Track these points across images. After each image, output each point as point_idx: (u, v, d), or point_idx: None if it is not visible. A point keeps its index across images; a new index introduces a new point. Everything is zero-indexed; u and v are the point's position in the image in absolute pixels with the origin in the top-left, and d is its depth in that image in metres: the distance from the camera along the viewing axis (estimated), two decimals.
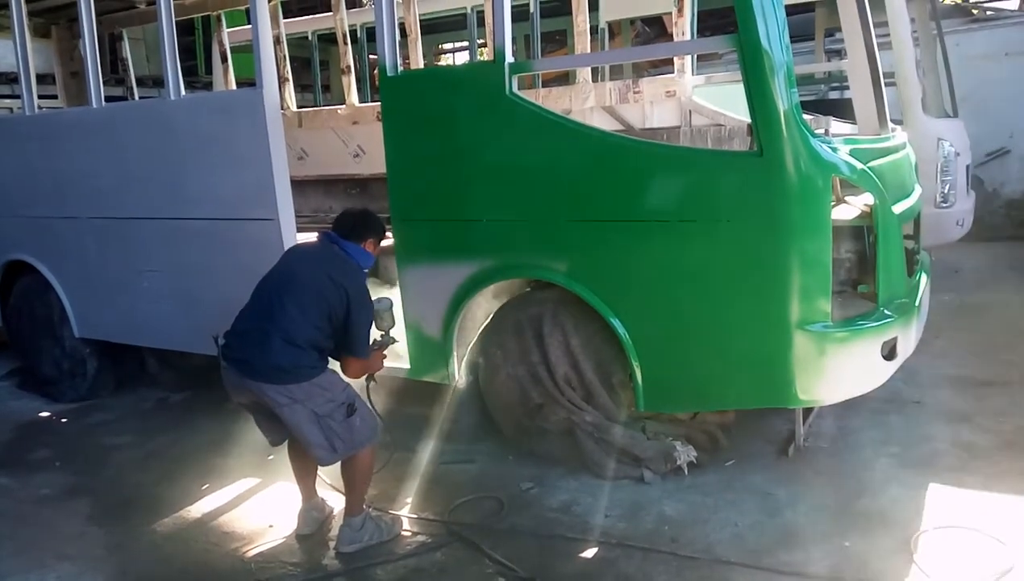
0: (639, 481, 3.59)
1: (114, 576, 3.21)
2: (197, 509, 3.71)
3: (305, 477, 3.42)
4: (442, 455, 4.00)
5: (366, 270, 3.39)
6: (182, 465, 4.20)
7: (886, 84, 4.31)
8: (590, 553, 3.12)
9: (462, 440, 4.07)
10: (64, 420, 5.08)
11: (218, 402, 4.93)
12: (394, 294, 3.85)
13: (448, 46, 14.48)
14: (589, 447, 3.63)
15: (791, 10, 3.48)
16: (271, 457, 3.92)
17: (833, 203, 3.25)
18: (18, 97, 5.28)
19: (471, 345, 3.90)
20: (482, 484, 3.73)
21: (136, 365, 5.44)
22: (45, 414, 5.22)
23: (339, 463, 3.23)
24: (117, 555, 3.36)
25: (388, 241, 3.91)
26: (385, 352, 3.51)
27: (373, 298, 3.37)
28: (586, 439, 3.63)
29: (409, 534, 3.35)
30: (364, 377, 3.48)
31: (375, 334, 3.44)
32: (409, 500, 3.61)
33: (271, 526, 3.50)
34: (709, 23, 10.36)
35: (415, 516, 3.48)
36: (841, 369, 3.29)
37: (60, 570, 3.25)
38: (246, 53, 5.86)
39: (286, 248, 3.70)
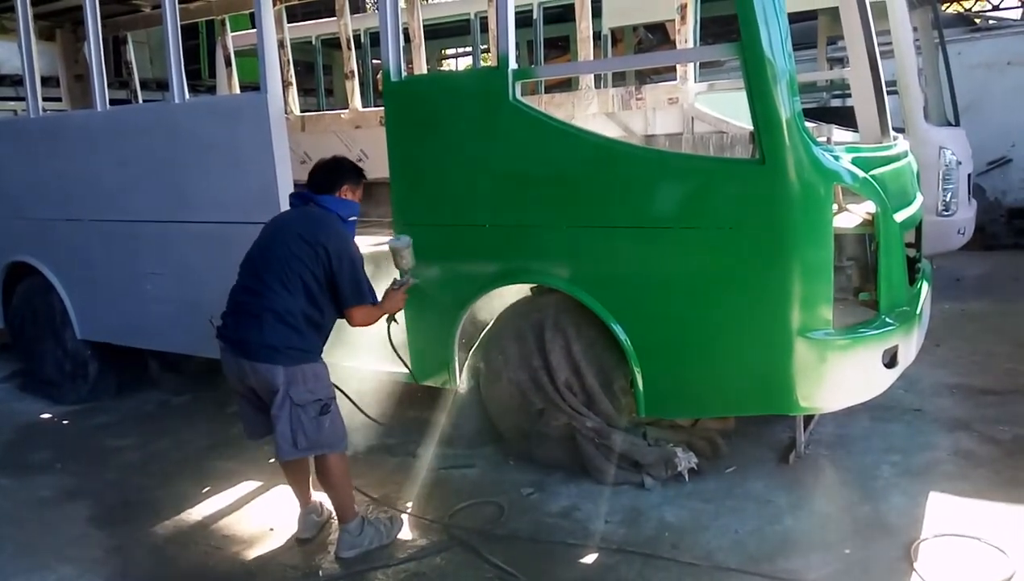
0: (639, 487, 3.59)
1: (114, 578, 3.21)
2: (198, 512, 3.71)
3: (299, 482, 3.41)
4: (442, 460, 4.00)
5: (352, 218, 3.34)
6: (183, 468, 4.21)
7: (888, 92, 4.31)
8: (590, 559, 3.12)
9: (463, 445, 4.07)
10: (65, 422, 5.08)
11: (219, 405, 4.96)
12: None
13: (451, 52, 14.51)
14: (590, 452, 3.63)
15: (793, 18, 3.49)
16: (272, 460, 3.91)
17: (835, 211, 3.25)
18: (23, 99, 5.29)
19: (472, 350, 3.91)
20: (482, 489, 3.73)
21: (138, 368, 5.45)
22: (46, 416, 5.22)
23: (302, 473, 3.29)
24: (117, 557, 3.36)
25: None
26: (406, 293, 3.48)
27: (392, 237, 3.37)
28: (587, 444, 3.63)
29: (409, 538, 3.35)
30: (384, 318, 3.47)
31: (395, 274, 3.45)
32: (409, 504, 3.61)
33: (271, 529, 3.50)
34: (712, 30, 10.39)
35: (415, 517, 3.48)
36: (842, 377, 3.30)
37: (61, 572, 3.25)
38: (250, 57, 5.87)
39: None
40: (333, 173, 3.33)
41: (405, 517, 3.48)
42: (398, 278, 3.48)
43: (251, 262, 3.20)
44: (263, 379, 3.06)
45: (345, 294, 3.15)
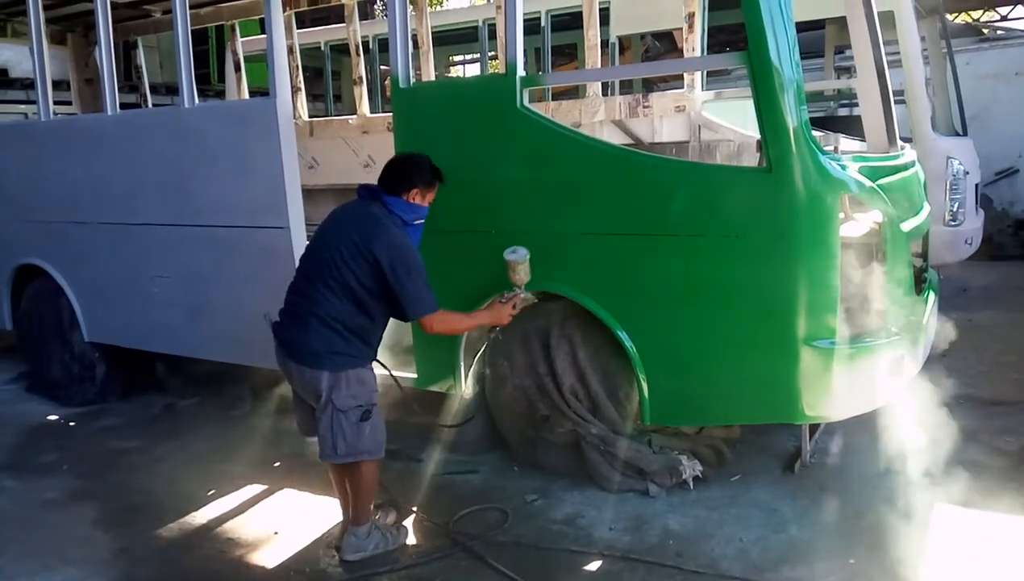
0: (644, 494, 3.59)
1: (119, 580, 3.22)
2: (203, 515, 3.72)
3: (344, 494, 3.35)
4: (447, 465, 4.01)
5: (418, 221, 3.25)
6: (189, 471, 4.21)
7: (895, 102, 4.31)
8: (594, 566, 3.12)
9: (467, 451, 4.07)
10: (72, 424, 5.10)
11: (225, 409, 4.98)
12: None
13: (458, 58, 14.56)
14: (594, 460, 3.63)
15: (801, 27, 3.50)
16: (277, 464, 3.93)
17: (841, 220, 3.26)
18: (34, 103, 5.34)
19: (478, 355, 3.91)
20: (486, 495, 3.73)
21: (145, 370, 5.46)
22: (53, 418, 5.24)
23: (343, 474, 3.23)
24: (122, 559, 3.37)
25: None
26: (514, 309, 3.39)
27: (509, 248, 3.30)
28: (591, 452, 3.63)
29: (413, 543, 3.35)
30: (488, 329, 3.45)
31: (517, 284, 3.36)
32: (414, 509, 3.61)
33: (276, 533, 3.50)
34: (719, 39, 10.41)
35: (421, 519, 3.49)
36: (848, 386, 3.29)
37: (65, 573, 3.26)
38: (259, 63, 5.90)
39: (297, 257, 3.68)
40: (404, 173, 3.19)
41: (409, 522, 3.48)
42: (507, 291, 3.42)
43: (304, 260, 3.17)
44: (307, 383, 3.06)
45: (408, 306, 3.06)
